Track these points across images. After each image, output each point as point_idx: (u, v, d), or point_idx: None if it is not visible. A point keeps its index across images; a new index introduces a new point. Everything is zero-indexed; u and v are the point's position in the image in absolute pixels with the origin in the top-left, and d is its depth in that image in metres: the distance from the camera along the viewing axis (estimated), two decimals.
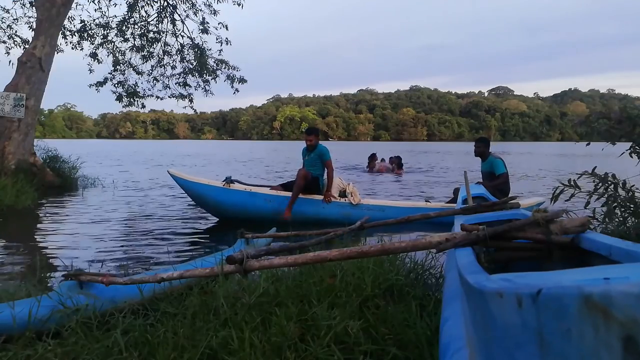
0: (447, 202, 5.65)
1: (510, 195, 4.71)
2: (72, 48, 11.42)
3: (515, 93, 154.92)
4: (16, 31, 10.88)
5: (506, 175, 5.32)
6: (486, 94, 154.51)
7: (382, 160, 15.04)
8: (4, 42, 10.72)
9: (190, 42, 11.74)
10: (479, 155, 5.60)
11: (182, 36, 11.80)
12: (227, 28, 11.38)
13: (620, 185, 2.91)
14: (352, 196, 5.40)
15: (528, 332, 0.55)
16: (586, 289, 0.43)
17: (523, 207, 2.92)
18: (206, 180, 5.24)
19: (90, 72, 11.43)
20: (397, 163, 14.26)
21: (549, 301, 0.50)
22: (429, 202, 5.98)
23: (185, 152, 32.19)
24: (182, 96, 12.17)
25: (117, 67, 11.55)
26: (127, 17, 11.29)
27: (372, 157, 14.90)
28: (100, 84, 11.32)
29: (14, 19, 10.78)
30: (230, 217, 5.29)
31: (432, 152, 35.55)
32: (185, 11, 11.56)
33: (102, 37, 11.41)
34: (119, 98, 11.69)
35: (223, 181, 5.21)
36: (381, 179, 12.00)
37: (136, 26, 11.56)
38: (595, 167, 3.03)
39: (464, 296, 1.10)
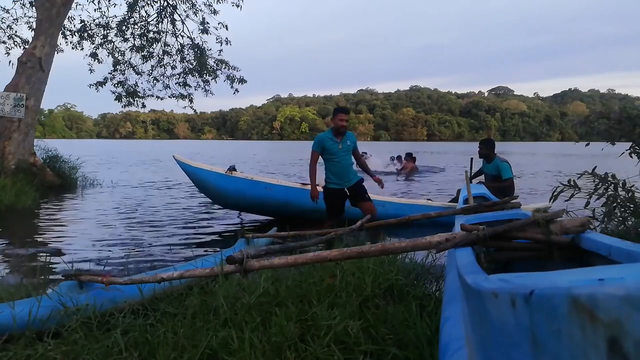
0: (450, 202, 5.65)
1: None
2: (72, 48, 11.44)
3: (515, 93, 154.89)
4: (16, 31, 10.91)
5: (512, 180, 5.28)
6: (486, 94, 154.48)
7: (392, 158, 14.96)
8: (4, 42, 10.74)
9: (190, 42, 11.74)
10: (483, 156, 5.57)
11: (182, 36, 11.83)
12: (227, 28, 11.40)
13: (620, 185, 2.91)
14: None
15: (522, 332, 0.55)
16: (574, 291, 0.44)
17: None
18: (209, 167, 5.30)
19: (91, 72, 11.44)
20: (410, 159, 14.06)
21: (540, 302, 0.51)
22: (430, 200, 6.01)
23: (186, 153, 32.16)
24: (182, 96, 12.17)
25: (117, 67, 11.55)
26: (127, 17, 11.29)
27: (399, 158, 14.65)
28: (100, 84, 11.32)
29: (14, 19, 10.79)
30: (231, 204, 5.41)
31: (435, 153, 35.53)
32: (185, 11, 11.59)
33: (102, 37, 11.42)
34: (119, 98, 11.69)
35: (227, 169, 5.27)
36: (390, 179, 11.98)
37: (136, 26, 11.56)
38: (595, 167, 3.03)
39: (463, 296, 1.10)
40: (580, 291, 0.43)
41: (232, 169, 5.27)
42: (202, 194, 7.66)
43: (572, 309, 0.44)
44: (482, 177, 5.75)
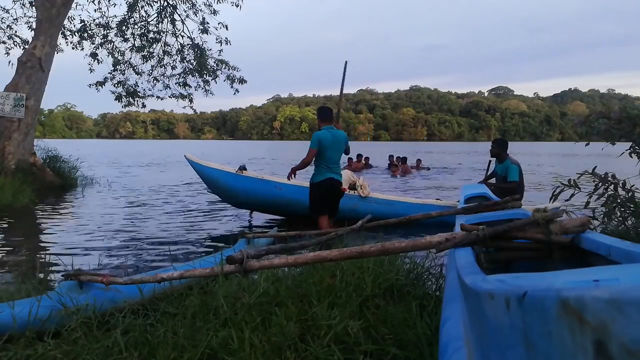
0: (458, 201, 5.64)
1: (523, 201, 4.63)
2: (72, 48, 11.43)
3: (515, 93, 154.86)
4: (16, 31, 10.90)
5: (516, 184, 5.20)
6: (486, 94, 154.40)
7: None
8: (4, 42, 10.73)
9: (190, 42, 11.73)
10: (494, 156, 5.53)
11: (182, 36, 11.81)
12: (227, 28, 11.38)
13: (620, 185, 2.91)
14: (361, 189, 5.46)
15: (516, 333, 0.56)
16: (564, 293, 0.44)
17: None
18: (220, 166, 5.34)
19: (91, 72, 11.44)
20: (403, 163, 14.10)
21: (533, 303, 0.51)
22: (439, 200, 5.99)
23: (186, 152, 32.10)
24: (182, 96, 12.16)
25: (117, 67, 11.54)
26: (127, 17, 11.28)
27: (391, 158, 14.63)
28: (100, 83, 11.31)
29: (14, 19, 10.79)
30: (241, 203, 5.47)
31: (438, 152, 35.51)
32: (185, 11, 11.57)
33: (102, 37, 11.41)
34: (119, 98, 11.68)
35: (237, 169, 5.31)
36: (403, 179, 12.02)
37: (136, 26, 11.55)
38: (595, 167, 3.03)
39: (462, 296, 1.10)
40: (570, 293, 0.44)
41: (243, 168, 5.32)
42: (203, 194, 7.69)
43: (561, 311, 0.44)
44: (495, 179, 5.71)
